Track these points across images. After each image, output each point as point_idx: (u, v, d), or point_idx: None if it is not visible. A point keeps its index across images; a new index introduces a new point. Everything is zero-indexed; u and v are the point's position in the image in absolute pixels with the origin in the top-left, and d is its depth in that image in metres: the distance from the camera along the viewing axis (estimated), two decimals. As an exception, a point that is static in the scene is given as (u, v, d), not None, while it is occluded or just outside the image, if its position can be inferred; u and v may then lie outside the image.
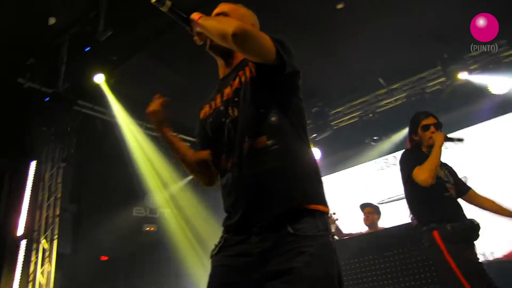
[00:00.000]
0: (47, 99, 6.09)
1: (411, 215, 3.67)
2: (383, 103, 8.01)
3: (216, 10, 2.01)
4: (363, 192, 8.10)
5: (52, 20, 5.44)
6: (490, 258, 6.29)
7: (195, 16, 1.82)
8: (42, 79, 6.16)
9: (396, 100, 7.90)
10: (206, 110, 1.95)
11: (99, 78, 6.37)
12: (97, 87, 6.54)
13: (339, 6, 5.89)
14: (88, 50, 5.89)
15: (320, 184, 1.73)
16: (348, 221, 7.77)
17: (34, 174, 6.85)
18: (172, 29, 5.65)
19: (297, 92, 1.85)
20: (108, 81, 6.50)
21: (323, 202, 1.68)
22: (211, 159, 1.95)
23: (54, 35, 5.89)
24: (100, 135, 7.31)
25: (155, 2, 1.81)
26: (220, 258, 1.69)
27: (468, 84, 6.83)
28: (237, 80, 1.83)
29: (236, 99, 1.79)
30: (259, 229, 1.60)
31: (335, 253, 1.61)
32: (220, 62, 2.00)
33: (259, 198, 1.63)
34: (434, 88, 7.56)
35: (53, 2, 5.32)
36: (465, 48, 6.77)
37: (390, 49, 6.79)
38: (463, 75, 6.69)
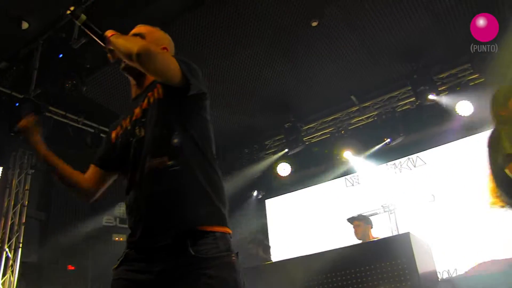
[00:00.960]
0: (17, 104, 6.00)
1: None
2: (355, 120, 8.15)
3: (133, 31, 2.06)
4: (333, 207, 8.19)
5: (25, 25, 5.38)
6: (454, 274, 6.43)
7: (108, 33, 1.85)
8: (12, 83, 6.08)
9: (367, 117, 8.05)
10: (117, 130, 1.98)
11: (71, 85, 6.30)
12: (69, 94, 6.47)
13: (314, 23, 5.99)
14: (61, 57, 5.83)
15: (222, 205, 1.75)
16: (318, 236, 7.90)
17: (1, 180, 6.72)
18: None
19: (203, 112, 1.89)
20: (80, 89, 6.44)
21: (223, 223, 1.71)
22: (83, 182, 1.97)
23: (27, 40, 5.83)
24: (74, 140, 7.21)
25: (69, 13, 1.84)
26: (120, 272, 1.70)
27: (436, 105, 7.02)
28: (145, 100, 1.87)
29: (144, 120, 1.83)
30: (159, 248, 1.61)
31: (238, 272, 1.63)
32: (133, 82, 2.04)
33: (156, 219, 1.66)
34: (404, 108, 7.74)
35: (27, 6, 5.26)
36: (434, 69, 7.01)
37: (362, 68, 6.96)
38: (432, 96, 6.87)
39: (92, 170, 2.01)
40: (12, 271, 6.51)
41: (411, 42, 6.46)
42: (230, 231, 1.72)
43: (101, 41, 1.87)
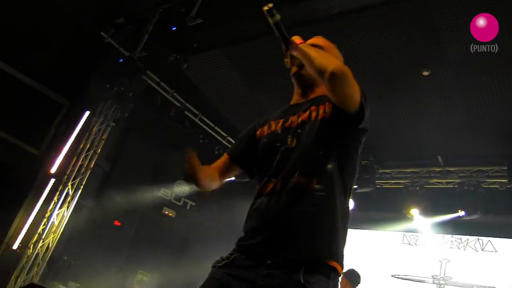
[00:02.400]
0: (121, 60, 6.32)
1: None
2: (434, 180, 7.74)
3: (311, 41, 1.99)
4: (382, 259, 7.85)
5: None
6: None
7: (296, 39, 1.81)
8: (123, 40, 6.41)
9: (448, 182, 7.61)
10: (264, 129, 1.93)
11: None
12: (169, 65, 6.72)
13: (425, 73, 5.77)
14: (174, 30, 6.06)
15: (344, 242, 1.70)
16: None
17: (84, 123, 7.13)
18: (255, 41, 5.78)
19: (358, 148, 1.82)
20: (181, 64, 6.67)
21: (341, 261, 1.64)
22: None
23: (148, 4, 6.12)
24: (158, 110, 7.49)
25: (266, 10, 1.80)
26: (222, 273, 1.65)
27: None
28: (307, 113, 1.81)
29: (299, 131, 1.77)
30: (272, 263, 1.56)
31: None
32: (298, 90, 1.97)
33: (285, 235, 1.60)
34: (491, 186, 7.22)
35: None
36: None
37: (460, 131, 6.59)
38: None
39: (223, 159, 2.00)
40: (68, 207, 6.88)
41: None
42: (341, 270, 1.65)
43: (285, 45, 1.85)
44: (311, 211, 1.62)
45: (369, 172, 7.85)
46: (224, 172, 1.96)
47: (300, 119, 1.80)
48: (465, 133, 6.58)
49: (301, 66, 1.87)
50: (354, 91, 1.64)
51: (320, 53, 1.76)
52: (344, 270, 4.86)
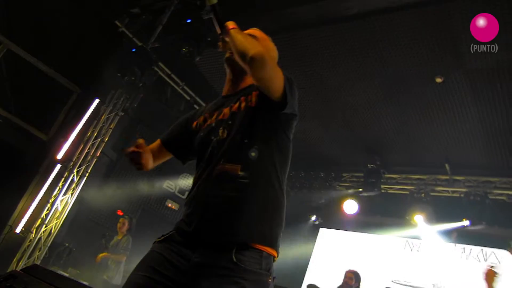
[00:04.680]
0: (134, 50, 6.30)
1: None
2: (440, 188, 7.70)
3: (249, 31, 2.04)
4: (383, 264, 7.83)
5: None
6: None
7: (230, 24, 1.85)
8: (137, 30, 6.39)
9: (454, 191, 7.57)
10: (200, 121, 1.98)
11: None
12: (181, 58, 6.70)
13: (438, 80, 5.74)
14: (188, 22, 6.03)
15: (279, 228, 1.72)
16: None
17: (93, 111, 7.13)
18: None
19: (288, 132, 1.86)
20: (194, 57, 6.65)
21: (273, 245, 1.67)
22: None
23: (165, -4, 6.11)
24: (168, 102, 7.49)
25: None
26: (161, 246, 1.71)
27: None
28: (237, 104, 1.86)
29: (230, 122, 1.82)
30: (207, 244, 1.62)
31: None
32: (229, 77, 2.02)
33: (212, 221, 1.65)
34: (498, 197, 7.17)
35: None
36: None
37: (470, 140, 6.55)
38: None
39: (156, 144, 2.07)
40: (72, 194, 6.89)
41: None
42: (276, 254, 1.69)
43: (220, 28, 1.88)
44: (235, 196, 1.66)
45: (375, 176, 7.83)
46: (156, 156, 2.03)
47: (231, 111, 1.85)
48: (475, 142, 6.54)
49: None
50: (275, 77, 1.69)
51: (246, 38, 1.79)
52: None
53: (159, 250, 1.70)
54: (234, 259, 1.56)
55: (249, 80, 1.93)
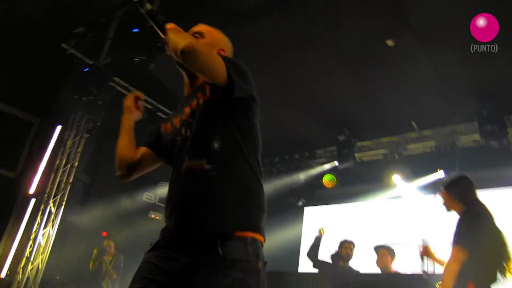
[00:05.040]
0: (86, 69, 6.21)
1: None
2: (411, 146, 7.90)
3: (194, 28, 2.05)
4: (370, 228, 8.00)
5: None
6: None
7: (168, 26, 1.84)
8: (85, 49, 6.30)
9: (424, 146, 7.79)
10: (167, 126, 2.00)
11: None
12: (136, 69, 6.64)
13: (389, 42, 5.84)
14: (135, 32, 5.97)
15: (258, 211, 1.71)
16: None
17: (57, 138, 7.01)
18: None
19: (251, 117, 1.85)
20: (148, 65, 6.59)
21: (255, 230, 1.67)
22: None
23: (107, 9, 6.02)
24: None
25: (136, 1, 1.82)
26: (150, 255, 1.71)
27: (502, 147, 6.66)
28: (195, 101, 1.86)
29: (191, 120, 1.82)
30: (190, 243, 1.62)
31: (262, 279, 1.62)
32: (186, 79, 2.03)
33: (189, 220, 1.65)
34: (466, 144, 7.41)
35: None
36: (506, 110, 6.65)
37: (430, 95, 6.72)
38: (499, 138, 6.53)
39: (143, 150, 2.05)
40: (53, 226, 6.78)
41: (486, 79, 6.19)
42: (263, 238, 1.70)
43: (162, 33, 1.86)
44: (206, 192, 1.66)
45: (347, 147, 7.96)
46: (146, 161, 2.05)
47: (191, 109, 1.86)
48: (436, 96, 6.71)
49: None
50: (213, 63, 1.68)
51: (177, 34, 1.78)
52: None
53: (149, 259, 1.70)
54: (220, 252, 1.56)
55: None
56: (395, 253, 5.82)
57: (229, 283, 1.53)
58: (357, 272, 5.82)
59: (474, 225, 3.31)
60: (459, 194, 3.62)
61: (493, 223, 3.40)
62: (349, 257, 6.04)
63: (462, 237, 3.26)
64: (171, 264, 1.63)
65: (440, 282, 3.24)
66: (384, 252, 5.81)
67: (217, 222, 1.63)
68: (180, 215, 1.68)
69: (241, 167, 1.74)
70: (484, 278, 3.16)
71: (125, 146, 2.07)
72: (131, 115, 2.14)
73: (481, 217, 3.37)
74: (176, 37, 1.74)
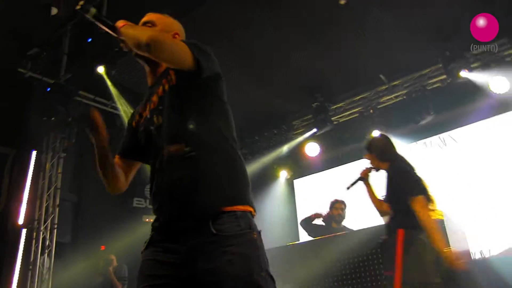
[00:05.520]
0: (49, 89, 6.10)
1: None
2: (384, 99, 8.01)
3: (144, 19, 2.06)
4: (361, 186, 8.10)
5: (54, 11, 5.42)
6: (487, 255, 6.33)
7: (119, 23, 1.83)
8: (43, 69, 6.18)
9: (396, 96, 7.90)
10: (137, 119, 2.00)
11: (100, 69, 6.39)
12: (99, 78, 6.55)
13: (342, 1, 5.86)
14: (90, 41, 5.87)
15: (242, 184, 1.76)
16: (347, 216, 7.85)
17: (35, 164, 6.90)
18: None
19: (219, 94, 1.88)
20: (109, 73, 6.51)
21: (243, 202, 1.71)
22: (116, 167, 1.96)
23: (56, 26, 5.89)
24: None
25: (79, 9, 1.82)
26: (148, 253, 1.72)
27: (468, 82, 6.81)
28: (161, 88, 1.88)
29: (161, 107, 1.84)
30: (183, 230, 1.64)
31: (260, 249, 1.66)
32: (147, 69, 2.04)
33: (178, 204, 1.67)
34: (435, 86, 7.54)
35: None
36: (466, 46, 6.77)
37: (391, 46, 6.78)
38: (464, 73, 6.68)
39: (117, 161, 2.02)
40: (49, 251, 6.72)
41: (443, 19, 6.26)
42: (252, 209, 1.73)
43: (114, 32, 1.85)
44: (190, 173, 1.68)
45: (323, 112, 8.01)
46: (126, 171, 2.01)
47: (159, 96, 1.87)
48: (397, 44, 6.77)
49: None
50: (179, 50, 1.71)
51: (135, 29, 1.80)
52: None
53: (148, 257, 1.71)
54: (214, 231, 1.59)
55: (164, 64, 1.95)
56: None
57: (228, 259, 1.56)
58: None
59: (411, 173, 3.65)
60: (381, 153, 3.92)
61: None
62: (341, 217, 6.01)
63: (413, 186, 3.57)
64: (173, 256, 1.64)
65: None
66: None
67: (206, 201, 1.65)
68: (169, 203, 1.69)
69: (219, 144, 1.77)
70: (416, 222, 3.41)
71: (104, 166, 1.92)
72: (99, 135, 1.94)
73: (409, 167, 3.72)
74: (134, 32, 1.75)
